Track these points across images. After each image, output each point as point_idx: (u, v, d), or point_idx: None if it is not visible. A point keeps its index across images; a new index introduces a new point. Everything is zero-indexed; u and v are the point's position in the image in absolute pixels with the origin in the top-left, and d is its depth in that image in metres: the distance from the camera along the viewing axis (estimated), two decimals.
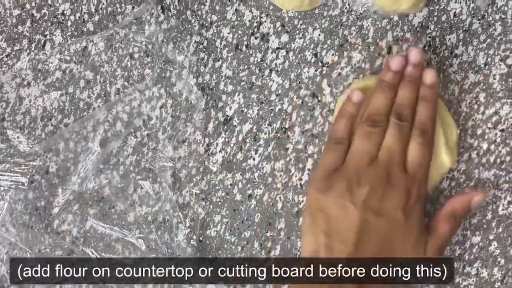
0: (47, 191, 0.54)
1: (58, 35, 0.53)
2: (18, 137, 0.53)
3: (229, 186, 0.55)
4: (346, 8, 0.54)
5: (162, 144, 0.54)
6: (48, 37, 0.53)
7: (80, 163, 0.53)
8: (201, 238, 0.55)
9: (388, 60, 0.52)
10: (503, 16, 0.55)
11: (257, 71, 0.54)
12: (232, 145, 0.55)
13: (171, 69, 0.53)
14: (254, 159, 0.55)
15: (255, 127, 0.55)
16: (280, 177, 0.55)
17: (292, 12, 0.54)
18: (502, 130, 0.56)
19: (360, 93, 0.51)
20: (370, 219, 0.47)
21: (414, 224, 0.48)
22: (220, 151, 0.55)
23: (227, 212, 0.55)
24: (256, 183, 0.55)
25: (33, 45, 0.53)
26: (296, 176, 0.55)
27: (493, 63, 0.55)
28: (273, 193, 0.55)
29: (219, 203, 0.55)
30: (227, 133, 0.55)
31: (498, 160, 0.55)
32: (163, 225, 0.54)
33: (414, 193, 0.49)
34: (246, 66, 0.54)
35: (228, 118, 0.55)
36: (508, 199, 0.56)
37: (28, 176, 0.53)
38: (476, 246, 0.56)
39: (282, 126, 0.55)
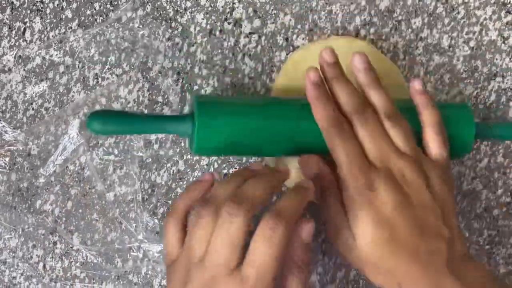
0: (29, 173, 0.55)
1: (38, 22, 0.54)
2: (3, 126, 0.54)
3: (205, 166, 0.56)
4: None
5: None
6: (28, 24, 0.54)
7: (61, 145, 0.55)
8: None
9: None
10: (465, 0, 0.57)
11: (231, 55, 0.56)
12: None
13: (147, 54, 0.55)
14: None
15: None
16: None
17: None
18: None
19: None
20: None
21: None
22: None
23: None
24: (231, 162, 0.57)
25: (13, 32, 0.54)
26: None
27: (456, 45, 0.57)
28: None
29: None
30: None
31: None
32: (142, 205, 0.56)
33: None
34: (220, 51, 0.56)
35: None
36: (471, 175, 0.58)
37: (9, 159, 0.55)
38: None
39: None
